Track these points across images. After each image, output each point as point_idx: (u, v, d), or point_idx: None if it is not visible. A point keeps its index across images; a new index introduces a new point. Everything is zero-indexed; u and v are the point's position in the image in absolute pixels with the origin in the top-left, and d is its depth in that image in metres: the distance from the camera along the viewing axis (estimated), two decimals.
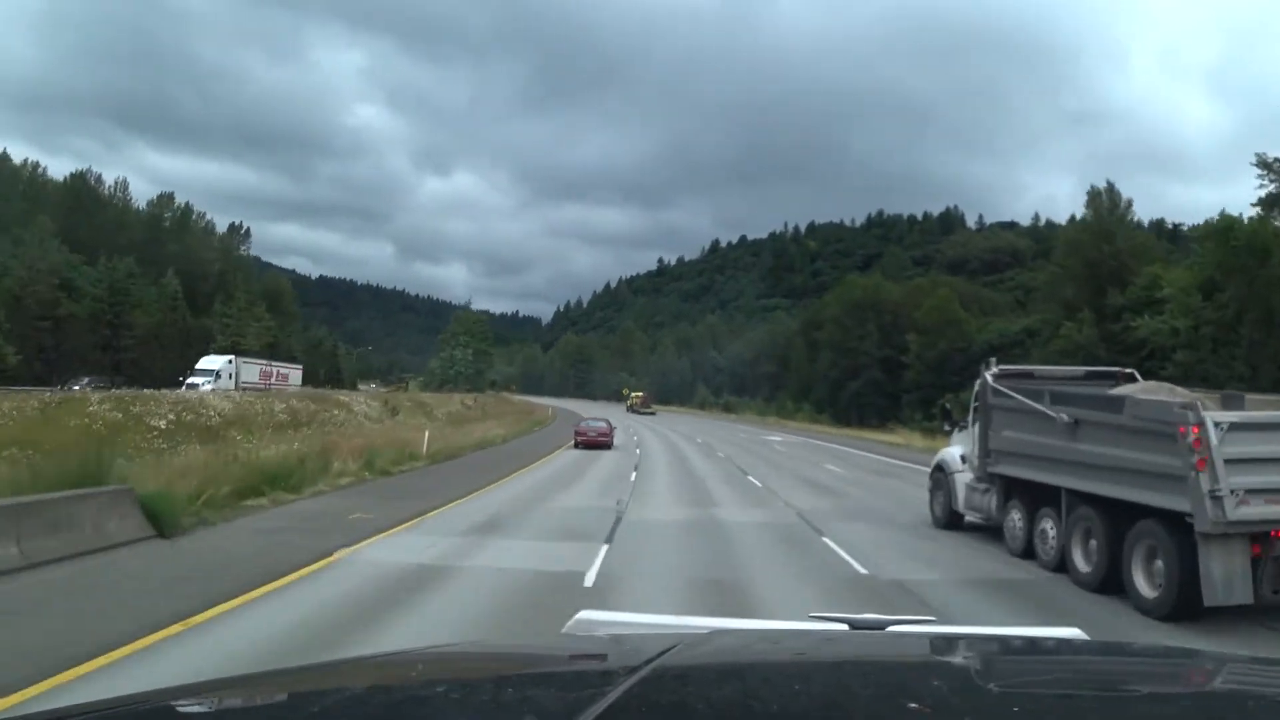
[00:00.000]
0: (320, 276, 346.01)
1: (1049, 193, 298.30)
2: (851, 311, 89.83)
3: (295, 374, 52.79)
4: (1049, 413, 10.65)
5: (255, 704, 1.36)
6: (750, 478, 23.19)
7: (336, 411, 30.12)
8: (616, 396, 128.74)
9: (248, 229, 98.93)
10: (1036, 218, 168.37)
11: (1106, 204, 54.80)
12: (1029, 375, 13.63)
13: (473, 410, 47.54)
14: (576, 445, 32.67)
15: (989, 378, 12.68)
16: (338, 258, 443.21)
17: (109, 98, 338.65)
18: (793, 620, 2.38)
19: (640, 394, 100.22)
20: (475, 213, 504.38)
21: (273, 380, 46.96)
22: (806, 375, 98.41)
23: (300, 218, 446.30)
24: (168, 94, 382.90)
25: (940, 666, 1.58)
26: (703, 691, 1.34)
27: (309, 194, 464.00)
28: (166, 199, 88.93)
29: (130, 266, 59.28)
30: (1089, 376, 13.92)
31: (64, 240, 65.55)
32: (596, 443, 32.49)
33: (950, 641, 1.90)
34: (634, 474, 22.78)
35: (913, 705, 1.17)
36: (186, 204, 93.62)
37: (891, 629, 1.93)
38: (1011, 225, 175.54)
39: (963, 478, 13.84)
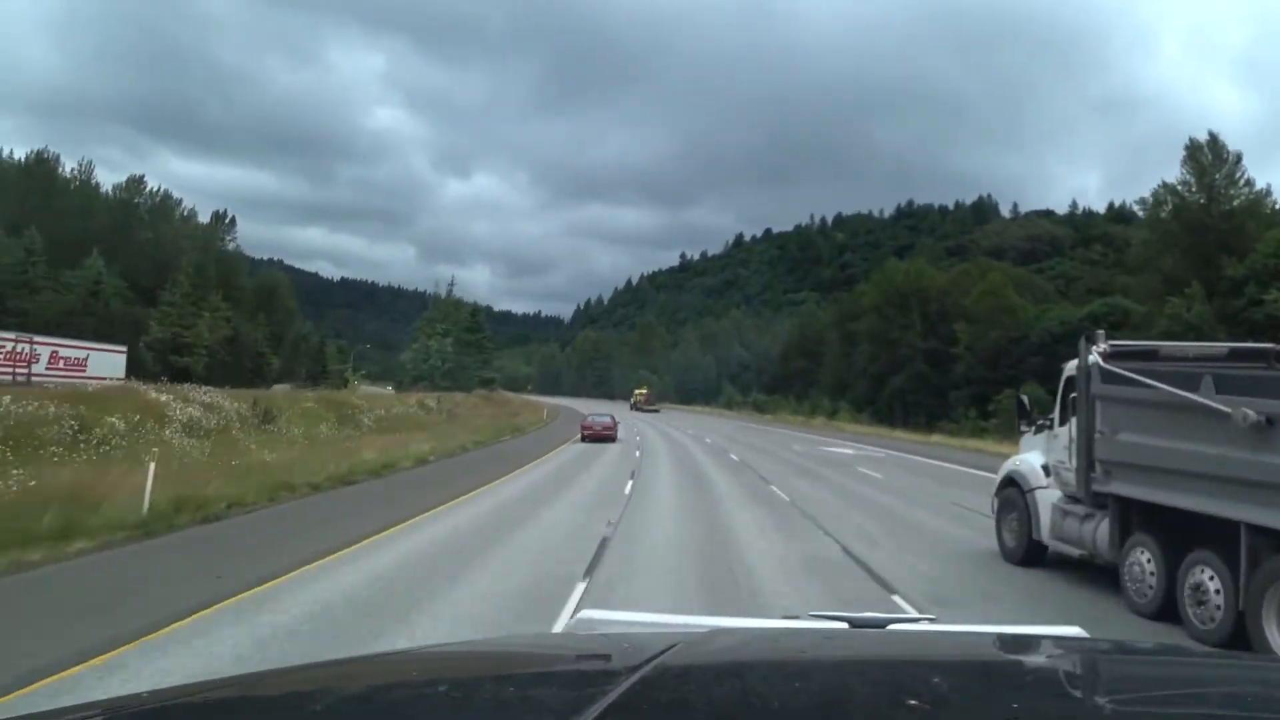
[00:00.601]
0: (342, 279, 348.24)
1: (1079, 184, 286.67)
2: (892, 300, 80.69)
3: (107, 359, 36.49)
4: (1218, 407, 7.31)
5: (256, 704, 1.34)
6: (893, 599, 9.08)
7: (115, 420, 17.54)
8: None
9: (233, 218, 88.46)
10: (1074, 205, 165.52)
11: (1209, 159, 45.27)
12: (1153, 355, 10.21)
13: (433, 413, 38.74)
14: (583, 439, 34.30)
15: (1097, 357, 9.33)
16: (362, 261, 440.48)
17: (132, 105, 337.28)
18: (794, 619, 2.20)
19: (644, 391, 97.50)
20: (496, 214, 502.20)
21: (32, 366, 30.65)
22: (841, 370, 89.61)
23: (323, 221, 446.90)
24: (190, 100, 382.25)
25: (941, 664, 1.52)
26: (704, 690, 1.32)
27: (331, 198, 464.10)
28: (136, 183, 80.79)
29: (31, 241, 51.34)
30: (1233, 356, 10.69)
31: (11, 227, 58.69)
32: (602, 435, 34.51)
33: (951, 640, 1.95)
34: (579, 590, 8.94)
35: (913, 702, 1.14)
36: (160, 188, 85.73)
37: (892, 627, 1.90)
38: (1048, 214, 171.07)
39: (1047, 496, 10.74)
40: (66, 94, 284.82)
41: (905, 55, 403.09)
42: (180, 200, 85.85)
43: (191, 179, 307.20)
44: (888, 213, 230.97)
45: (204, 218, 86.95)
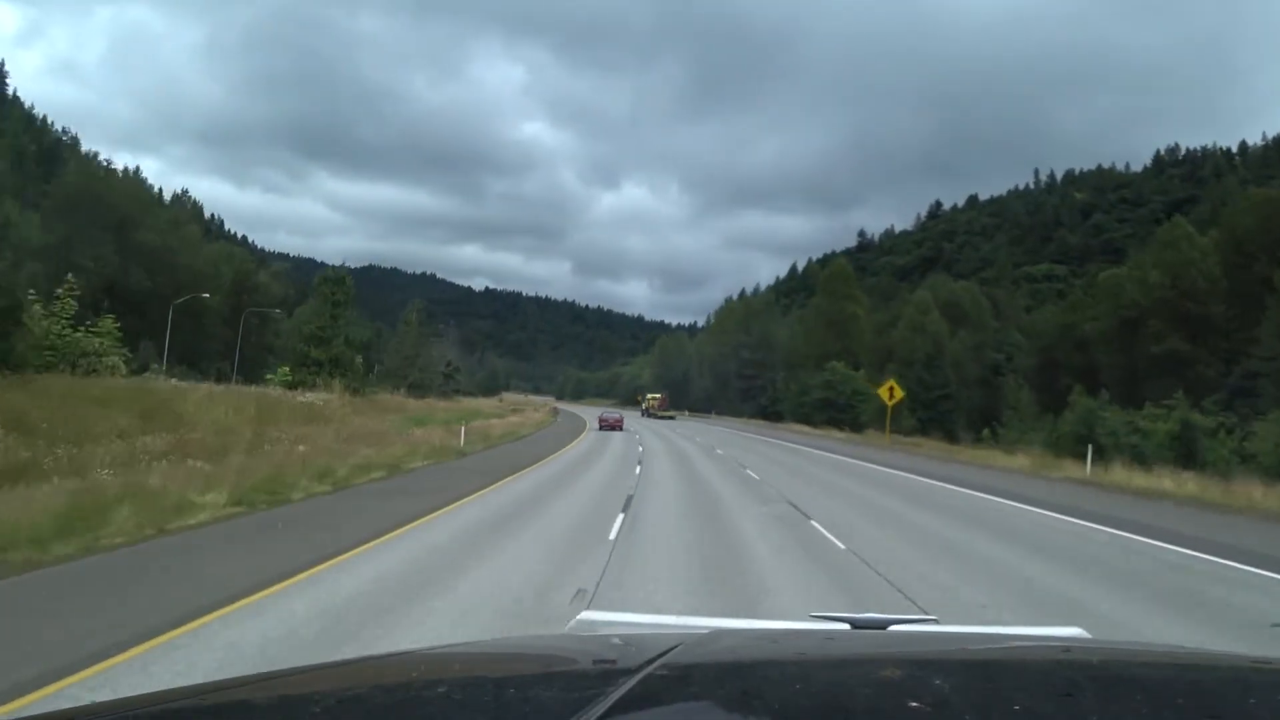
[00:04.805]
0: (486, 288, 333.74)
1: None
2: None
3: None
4: None
5: (257, 705, 1.35)
6: None
7: None
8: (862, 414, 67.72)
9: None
10: None
11: None
12: None
13: None
14: (600, 429, 48.24)
15: None
16: (519, 277, 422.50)
17: (289, 127, 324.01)
18: (795, 620, 2.20)
19: (658, 395, 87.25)
20: (649, 226, 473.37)
21: None
22: None
23: (480, 239, 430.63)
24: (343, 120, 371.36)
25: (942, 666, 1.54)
26: (706, 691, 1.35)
27: (484, 214, 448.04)
28: None
29: None
30: None
31: None
32: (614, 425, 49.57)
33: (952, 641, 1.95)
34: None
35: (914, 704, 1.15)
36: None
37: (893, 628, 1.92)
38: None
39: None
40: (228, 120, 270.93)
41: (1082, 22, 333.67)
42: None
43: (349, 199, 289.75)
44: (1135, 166, 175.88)
45: None
